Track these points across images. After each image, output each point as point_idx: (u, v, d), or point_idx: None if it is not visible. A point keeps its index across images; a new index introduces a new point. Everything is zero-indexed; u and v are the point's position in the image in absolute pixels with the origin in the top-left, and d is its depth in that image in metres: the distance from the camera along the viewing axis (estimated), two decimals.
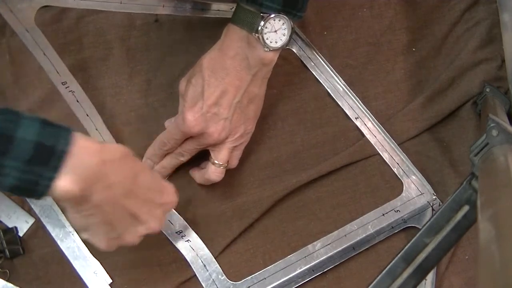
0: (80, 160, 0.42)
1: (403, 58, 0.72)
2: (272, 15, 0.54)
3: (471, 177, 0.51)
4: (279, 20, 0.54)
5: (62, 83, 0.59)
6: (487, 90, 0.67)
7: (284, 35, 0.55)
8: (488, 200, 0.42)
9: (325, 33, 0.70)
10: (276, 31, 0.54)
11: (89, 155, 0.42)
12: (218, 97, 0.56)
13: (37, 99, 0.64)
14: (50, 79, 0.63)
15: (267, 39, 0.54)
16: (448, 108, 0.69)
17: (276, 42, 0.55)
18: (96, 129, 0.61)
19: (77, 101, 0.60)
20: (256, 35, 0.54)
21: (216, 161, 0.59)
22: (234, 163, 0.61)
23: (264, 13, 0.54)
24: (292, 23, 0.55)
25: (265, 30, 0.54)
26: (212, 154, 0.59)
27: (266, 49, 0.55)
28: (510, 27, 0.69)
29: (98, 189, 0.44)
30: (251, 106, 0.59)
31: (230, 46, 0.55)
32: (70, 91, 0.59)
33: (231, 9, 0.66)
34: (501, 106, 0.65)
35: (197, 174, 0.62)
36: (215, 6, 0.66)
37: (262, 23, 0.53)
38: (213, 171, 0.60)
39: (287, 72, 0.68)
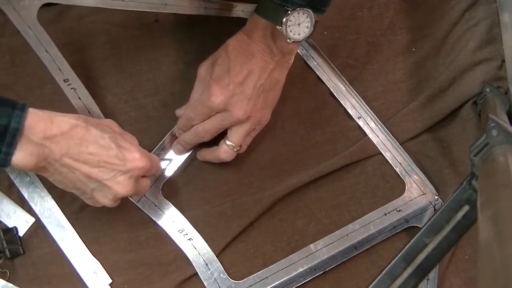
0: (27, 139, 0.46)
1: (403, 58, 0.72)
2: (297, 9, 0.54)
3: (471, 177, 0.51)
4: (303, 14, 0.55)
5: (64, 80, 0.59)
6: (487, 90, 0.67)
7: (307, 28, 0.55)
8: (488, 200, 0.42)
9: (325, 33, 0.70)
10: (299, 24, 0.55)
11: (35, 134, 0.47)
12: (244, 77, 0.57)
13: (39, 99, 0.64)
14: (51, 78, 0.63)
15: (290, 31, 0.55)
16: (448, 108, 0.69)
17: (299, 34, 0.56)
18: None
19: (79, 99, 0.60)
20: (280, 27, 0.55)
21: (230, 142, 0.60)
22: (243, 148, 0.62)
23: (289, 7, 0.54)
24: (315, 16, 0.56)
25: (289, 23, 0.54)
26: (228, 133, 0.60)
27: (289, 41, 0.56)
28: (510, 27, 0.69)
29: (51, 161, 0.48)
30: (272, 93, 0.60)
31: (255, 33, 0.56)
32: (72, 88, 0.60)
33: (234, 8, 0.66)
34: (501, 106, 0.65)
35: (207, 152, 0.63)
36: (219, 5, 0.66)
37: (286, 16, 0.54)
38: (225, 151, 0.61)
39: (288, 72, 0.68)
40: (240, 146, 0.61)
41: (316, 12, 0.55)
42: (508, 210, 0.38)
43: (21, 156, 0.47)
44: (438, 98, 0.69)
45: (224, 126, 0.59)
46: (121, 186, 0.52)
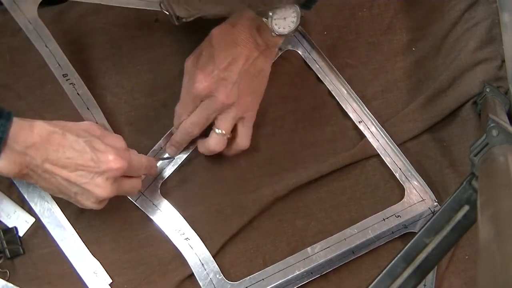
0: (10, 148, 0.48)
1: (403, 57, 0.72)
2: (284, 4, 0.54)
3: (471, 177, 0.51)
4: (290, 8, 0.55)
5: (63, 75, 0.59)
6: (487, 90, 0.67)
7: (293, 23, 0.56)
8: (488, 200, 0.42)
9: (325, 33, 0.70)
10: (285, 18, 0.55)
11: (17, 142, 0.48)
12: (229, 63, 0.57)
13: (39, 99, 0.64)
14: (51, 78, 0.63)
15: (275, 25, 0.55)
16: (448, 108, 0.69)
17: (284, 29, 0.56)
18: (96, 122, 0.61)
19: (78, 94, 0.60)
20: (266, 19, 0.55)
21: (218, 130, 0.60)
22: (244, 142, 0.62)
23: None
24: (301, 11, 0.56)
25: (275, 17, 0.55)
26: (216, 122, 0.60)
27: (274, 34, 0.56)
28: (510, 27, 0.69)
29: (33, 168, 0.50)
30: (257, 80, 0.60)
31: (240, 24, 0.57)
32: (71, 83, 0.60)
33: None
34: (501, 106, 0.65)
35: (200, 143, 0.63)
36: None
37: (273, 10, 0.54)
38: (214, 140, 0.60)
39: (287, 71, 0.68)
40: (230, 134, 0.61)
41: (302, 8, 0.56)
42: (508, 210, 0.38)
43: (4, 164, 0.48)
44: (438, 98, 0.69)
45: (210, 115, 0.59)
46: (100, 188, 0.52)
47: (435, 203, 0.66)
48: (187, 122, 0.60)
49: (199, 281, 0.61)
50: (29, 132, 0.49)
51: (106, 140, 0.54)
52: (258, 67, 0.59)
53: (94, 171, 0.51)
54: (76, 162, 0.51)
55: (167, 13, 0.49)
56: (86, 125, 0.55)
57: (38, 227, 0.61)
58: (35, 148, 0.49)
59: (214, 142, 0.60)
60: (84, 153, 0.51)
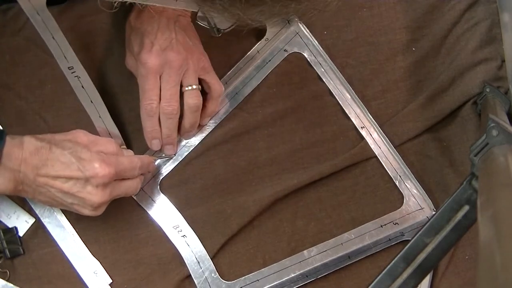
0: (4, 166, 0.50)
1: (403, 57, 0.72)
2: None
3: (471, 177, 0.51)
4: None
5: (68, 68, 0.59)
6: (487, 90, 0.67)
7: None
8: (488, 200, 0.42)
9: (325, 32, 0.70)
10: None
11: (10, 160, 0.50)
12: (158, 30, 0.58)
13: (39, 99, 0.64)
14: (51, 78, 0.63)
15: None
16: (448, 108, 0.69)
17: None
18: (100, 117, 0.61)
19: (83, 87, 0.60)
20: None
21: (188, 87, 0.60)
22: (218, 85, 0.62)
23: None
24: None
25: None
26: (183, 82, 0.60)
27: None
28: (510, 27, 0.69)
29: (28, 183, 0.52)
30: (189, 30, 0.61)
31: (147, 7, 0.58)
32: (76, 76, 0.60)
33: None
34: (501, 106, 0.65)
35: (182, 122, 0.62)
36: None
37: None
38: (189, 96, 0.60)
39: (287, 71, 0.68)
40: (199, 85, 0.60)
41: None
42: (508, 210, 0.38)
43: (0, 182, 0.50)
44: (438, 98, 0.69)
45: (176, 81, 0.59)
46: (92, 195, 0.53)
47: (434, 212, 0.65)
48: (164, 105, 0.59)
49: (194, 279, 0.61)
50: (20, 150, 0.51)
51: (95, 147, 0.55)
52: (183, 22, 0.60)
53: (83, 180, 0.52)
54: (64, 173, 0.52)
55: (207, 26, 0.49)
56: (73, 134, 0.55)
57: (38, 227, 0.61)
58: (27, 164, 0.51)
59: (191, 98, 0.60)
60: (70, 164, 0.52)
